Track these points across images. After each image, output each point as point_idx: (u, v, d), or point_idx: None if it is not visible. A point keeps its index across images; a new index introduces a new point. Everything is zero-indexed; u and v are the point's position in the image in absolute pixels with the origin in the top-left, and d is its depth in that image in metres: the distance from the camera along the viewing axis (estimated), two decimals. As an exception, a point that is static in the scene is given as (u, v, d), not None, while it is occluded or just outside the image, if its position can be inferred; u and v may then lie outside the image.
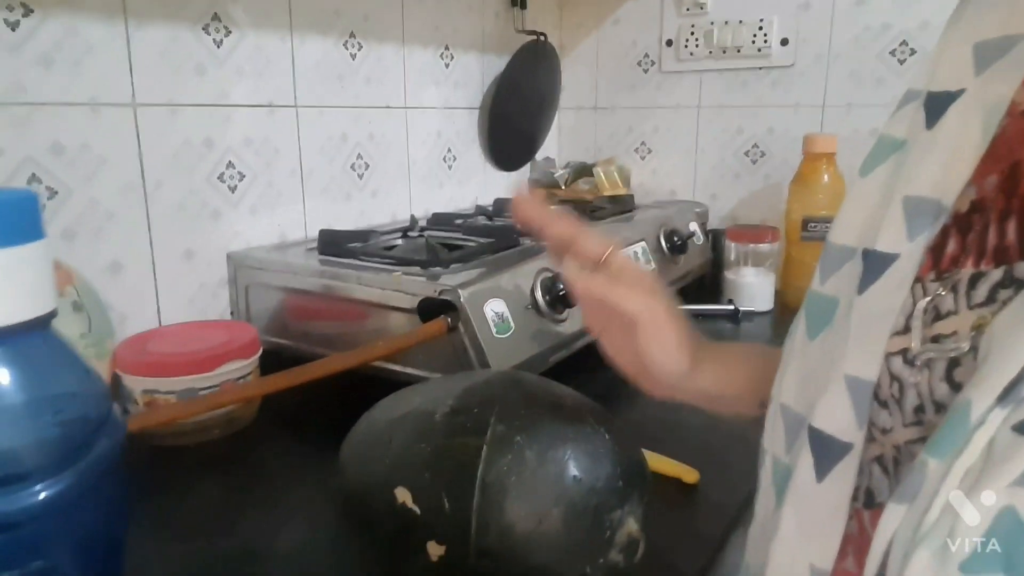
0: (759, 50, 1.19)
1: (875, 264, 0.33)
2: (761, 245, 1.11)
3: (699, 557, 0.49)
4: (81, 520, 0.26)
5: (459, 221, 1.00)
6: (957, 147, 0.31)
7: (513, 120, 1.26)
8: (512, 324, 0.70)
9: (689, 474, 0.60)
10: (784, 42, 1.17)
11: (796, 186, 1.10)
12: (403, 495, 0.41)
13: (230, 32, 0.80)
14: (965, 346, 0.29)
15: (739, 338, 1.02)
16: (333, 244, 0.82)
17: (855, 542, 0.34)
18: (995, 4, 0.32)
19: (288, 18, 0.86)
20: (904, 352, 0.32)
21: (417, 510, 0.40)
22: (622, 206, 1.16)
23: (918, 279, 0.32)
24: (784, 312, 1.10)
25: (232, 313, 0.83)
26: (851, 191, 0.37)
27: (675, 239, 1.05)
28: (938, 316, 0.31)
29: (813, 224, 1.08)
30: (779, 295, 1.12)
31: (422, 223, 0.98)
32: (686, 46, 1.25)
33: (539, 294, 0.74)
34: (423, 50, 1.08)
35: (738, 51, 1.21)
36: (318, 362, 0.60)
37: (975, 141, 0.30)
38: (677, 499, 0.58)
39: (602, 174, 1.32)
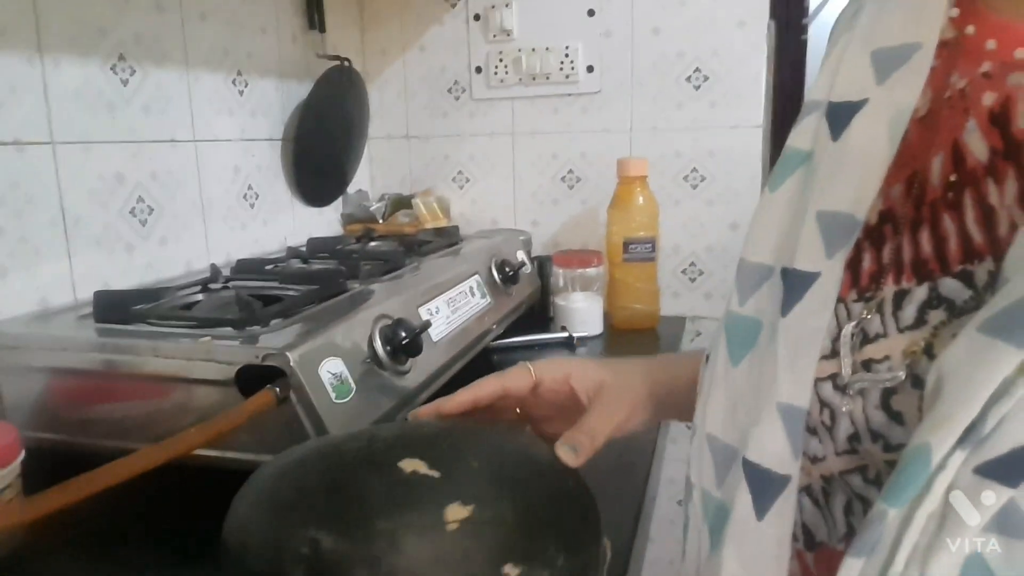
0: (567, 76, 1.20)
1: (796, 283, 0.32)
2: (588, 269, 1.11)
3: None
4: None
5: (270, 267, 0.88)
6: (865, 159, 0.30)
7: (320, 151, 1.16)
8: (353, 385, 0.61)
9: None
10: (590, 69, 1.19)
11: (614, 209, 1.12)
12: (412, 465, 0.36)
13: (-49, 51, 0.63)
14: (901, 375, 0.28)
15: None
16: (114, 308, 0.67)
17: None
18: (889, 11, 0.31)
19: (35, 35, 0.70)
20: (833, 377, 0.31)
21: (436, 474, 0.36)
22: (448, 239, 1.10)
23: (840, 299, 0.31)
24: (613, 334, 1.11)
25: (-22, 407, 0.65)
26: (759, 207, 0.35)
27: (507, 270, 1.02)
28: (866, 339, 0.30)
29: (633, 245, 1.11)
30: (607, 317, 1.13)
31: (226, 272, 0.85)
32: (496, 73, 1.24)
33: (379, 345, 0.66)
34: (211, 75, 0.95)
35: (547, 78, 1.21)
36: (111, 465, 0.47)
37: (883, 152, 0.30)
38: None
39: (422, 205, 1.26)
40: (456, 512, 0.34)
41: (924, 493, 0.25)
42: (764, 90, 1.11)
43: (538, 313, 1.15)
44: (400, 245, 1.03)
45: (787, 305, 0.32)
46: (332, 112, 1.16)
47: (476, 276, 0.95)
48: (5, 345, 0.63)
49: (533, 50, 1.21)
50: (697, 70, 1.14)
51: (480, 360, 0.89)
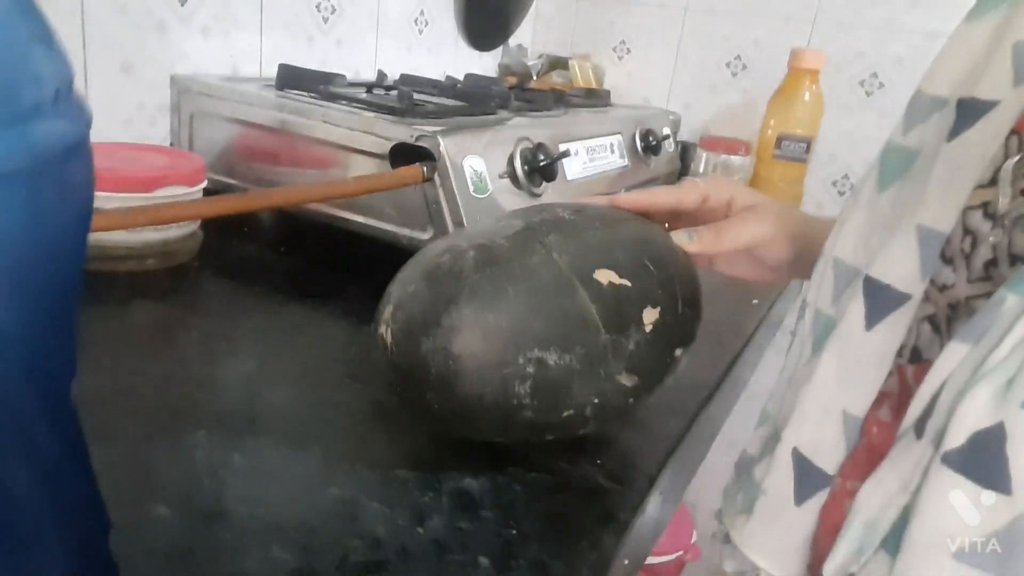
0: (759, -47, 1.13)
1: (970, 111, 0.30)
2: (733, 157, 1.08)
3: (676, 424, 0.48)
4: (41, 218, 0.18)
5: (431, 87, 0.92)
6: None
7: (492, -7, 1.17)
8: (490, 186, 0.65)
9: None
10: (786, -52, 1.12)
11: (777, 101, 1.07)
12: (606, 275, 0.38)
13: None
14: None
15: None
16: (295, 80, 0.73)
17: (893, 396, 0.33)
18: None
19: None
20: (985, 206, 0.30)
21: (628, 282, 0.39)
22: (598, 100, 1.10)
23: (1014, 131, 0.29)
24: (744, 229, 1.09)
25: (172, 144, 0.74)
26: (952, 38, 0.33)
27: (650, 139, 1.01)
28: None
29: (787, 142, 1.06)
30: (741, 212, 1.10)
31: (390, 82, 0.90)
32: (683, -60, 1.18)
33: (518, 163, 0.69)
34: None
35: (737, -48, 1.15)
36: (279, 189, 0.54)
37: None
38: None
39: (577, 68, 1.26)
40: (650, 315, 0.39)
41: None
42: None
43: (671, 195, 1.14)
44: (551, 95, 1.04)
45: (955, 131, 0.30)
46: (511, -46, 1.16)
47: (619, 136, 0.95)
48: (202, 92, 0.71)
49: (729, -81, 1.14)
50: (907, -36, 1.04)
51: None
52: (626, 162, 0.96)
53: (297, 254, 0.69)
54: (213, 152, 0.71)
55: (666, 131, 1.10)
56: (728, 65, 1.20)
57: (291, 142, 0.67)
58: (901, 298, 0.31)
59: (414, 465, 0.39)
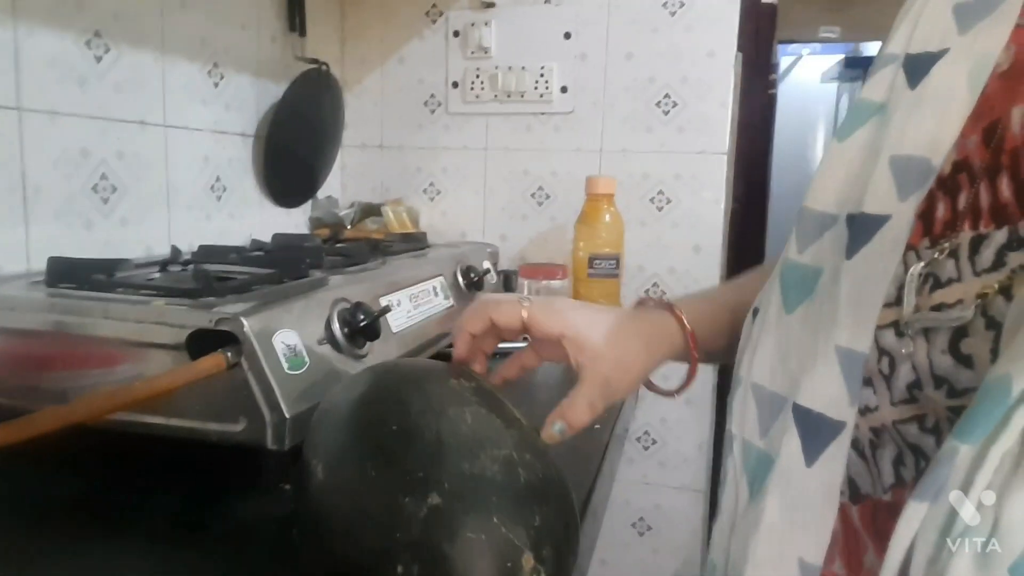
0: (541, 96, 1.23)
1: (863, 227, 0.30)
2: (553, 282, 1.12)
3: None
4: None
5: (234, 255, 0.87)
6: (945, 105, 0.30)
7: (292, 152, 1.16)
8: (307, 359, 0.60)
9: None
10: (564, 89, 1.23)
11: (581, 226, 1.13)
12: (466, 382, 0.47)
13: (-78, 5, 0.63)
14: (969, 314, 0.27)
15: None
16: (67, 274, 0.65)
17: (840, 541, 0.31)
18: None
19: (9, 1, 0.70)
20: (895, 324, 0.30)
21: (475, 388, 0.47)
22: (415, 244, 1.11)
23: (910, 247, 0.30)
24: (576, 347, 1.12)
25: (-86, 367, 0.62)
26: (826, 156, 0.34)
27: (472, 275, 1.02)
28: (938, 284, 0.29)
29: (598, 261, 1.12)
30: (570, 331, 1.14)
31: (187, 256, 0.84)
32: (472, 88, 1.26)
33: (336, 327, 0.66)
34: (188, 64, 0.95)
35: (522, 96, 1.24)
36: (52, 410, 0.46)
37: (962, 98, 0.29)
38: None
39: (391, 214, 1.27)
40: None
41: (1000, 430, 0.23)
42: (729, 118, 1.15)
43: (501, 324, 1.15)
44: (366, 245, 1.03)
45: (852, 248, 0.31)
46: (306, 114, 1.17)
47: (440, 278, 0.95)
48: (-51, 303, 0.61)
49: (509, 68, 1.24)
50: (667, 96, 1.18)
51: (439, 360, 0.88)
52: (451, 302, 0.95)
53: (84, 474, 0.59)
54: (-31, 369, 0.61)
55: (486, 264, 1.12)
56: (533, 196, 1.27)
57: (69, 346, 0.59)
58: (836, 427, 0.30)
59: None
